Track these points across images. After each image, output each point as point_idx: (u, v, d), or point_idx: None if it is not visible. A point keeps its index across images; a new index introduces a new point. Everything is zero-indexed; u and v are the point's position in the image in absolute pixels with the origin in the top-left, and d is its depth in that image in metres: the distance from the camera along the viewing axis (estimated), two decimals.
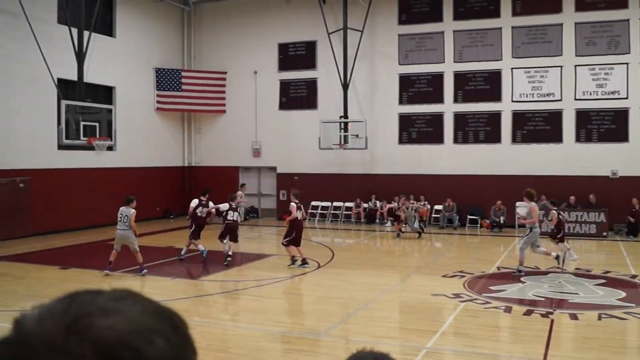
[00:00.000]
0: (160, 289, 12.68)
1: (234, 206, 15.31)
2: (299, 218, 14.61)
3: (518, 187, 21.36)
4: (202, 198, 15.86)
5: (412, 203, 20.51)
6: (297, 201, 14.81)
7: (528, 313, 10.33)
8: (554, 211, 15.73)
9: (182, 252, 15.78)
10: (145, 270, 13.65)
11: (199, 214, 15.63)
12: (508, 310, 10.54)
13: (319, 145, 23.25)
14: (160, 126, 25.93)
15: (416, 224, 19.83)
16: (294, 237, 14.46)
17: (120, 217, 13.48)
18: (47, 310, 0.75)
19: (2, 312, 10.61)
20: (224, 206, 15.46)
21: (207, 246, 15.47)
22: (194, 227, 15.58)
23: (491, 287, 12.33)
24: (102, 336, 0.71)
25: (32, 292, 12.34)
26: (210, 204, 15.89)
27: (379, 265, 15.24)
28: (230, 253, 15.11)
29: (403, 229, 20.06)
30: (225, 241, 15.30)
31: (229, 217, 15.25)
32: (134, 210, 13.46)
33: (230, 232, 15.17)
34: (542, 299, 11.42)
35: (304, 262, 14.52)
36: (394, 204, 21.01)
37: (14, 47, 19.10)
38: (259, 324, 9.88)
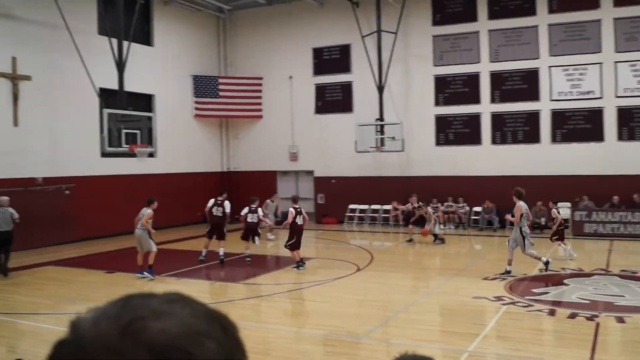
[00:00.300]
0: (202, 292, 12.90)
1: (299, 209, 15.26)
2: (298, 223, 14.83)
3: (559, 188, 21.20)
4: (218, 198, 16.30)
5: (424, 206, 19.78)
6: (297, 206, 15.06)
7: (572, 316, 10.16)
8: (555, 210, 15.68)
9: (203, 254, 16.20)
10: (146, 274, 13.70)
11: (214, 214, 16.09)
12: (552, 313, 10.43)
13: (355, 149, 23.29)
14: (199, 132, 26.34)
15: (436, 229, 19.22)
16: (294, 241, 14.73)
17: (140, 217, 13.87)
18: (101, 313, 0.77)
19: (51, 316, 10.95)
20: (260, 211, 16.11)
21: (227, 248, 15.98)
22: (209, 227, 16.20)
23: (534, 290, 12.20)
24: (155, 339, 0.73)
25: (80, 296, 12.68)
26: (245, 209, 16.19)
27: (418, 268, 15.24)
28: (247, 252, 16.07)
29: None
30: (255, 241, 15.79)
31: (248, 219, 15.81)
32: (150, 210, 13.77)
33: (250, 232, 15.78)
34: (587, 301, 11.23)
35: (300, 262, 14.84)
36: (408, 205, 20.49)
37: (57, 59, 19.69)
38: (299, 327, 9.98)
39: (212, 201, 16.27)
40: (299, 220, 14.87)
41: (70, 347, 0.75)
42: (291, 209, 14.94)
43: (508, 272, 13.52)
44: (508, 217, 14.22)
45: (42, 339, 9.40)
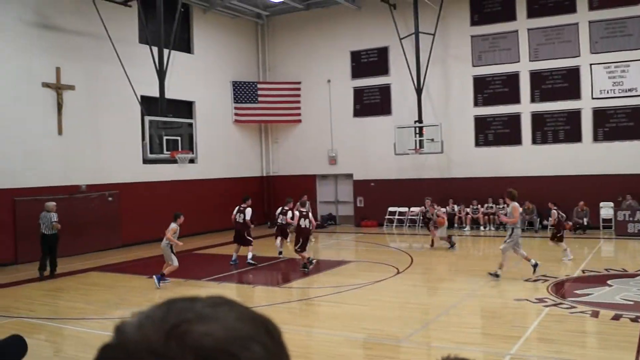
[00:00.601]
0: (242, 296, 13.05)
1: (304, 213, 15.69)
2: (302, 226, 15.18)
3: (601, 187, 20.81)
4: (242, 205, 16.65)
5: (437, 209, 19.03)
6: (304, 210, 15.69)
7: (616, 318, 9.96)
8: (554, 211, 15.88)
9: (233, 258, 16.57)
10: (156, 280, 13.67)
11: (237, 220, 16.58)
12: (595, 315, 10.24)
13: (394, 151, 23.25)
14: (239, 138, 26.63)
15: (444, 233, 18.35)
16: (301, 244, 15.03)
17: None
18: (146, 317, 0.77)
19: (95, 321, 11.21)
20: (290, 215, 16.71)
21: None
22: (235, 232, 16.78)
23: (576, 291, 12.01)
24: (200, 342, 0.72)
25: (122, 301, 12.94)
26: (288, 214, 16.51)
27: (458, 270, 15.11)
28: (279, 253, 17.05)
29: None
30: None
31: (278, 220, 16.65)
32: (175, 225, 13.96)
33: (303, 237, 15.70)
34: (631, 302, 11.01)
35: (305, 266, 15.10)
36: (422, 208, 19.97)
37: (100, 68, 20.18)
38: (339, 330, 10.01)
39: (237, 208, 16.74)
40: (305, 224, 15.21)
41: (116, 351, 0.76)
42: (296, 213, 15.43)
43: (497, 275, 13.37)
44: (504, 218, 14.09)
45: (86, 343, 9.63)
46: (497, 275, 13.36)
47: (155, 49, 18.84)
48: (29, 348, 2.50)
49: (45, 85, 18.93)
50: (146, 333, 0.74)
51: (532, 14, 22.52)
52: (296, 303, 12.40)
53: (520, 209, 13.98)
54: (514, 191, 13.88)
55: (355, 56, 25.90)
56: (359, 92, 25.86)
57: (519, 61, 22.81)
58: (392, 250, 19.26)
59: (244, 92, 26.41)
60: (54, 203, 16.11)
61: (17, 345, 2.18)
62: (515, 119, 22.93)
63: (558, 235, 15.93)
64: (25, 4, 18.42)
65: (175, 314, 0.76)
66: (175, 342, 0.72)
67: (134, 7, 20.51)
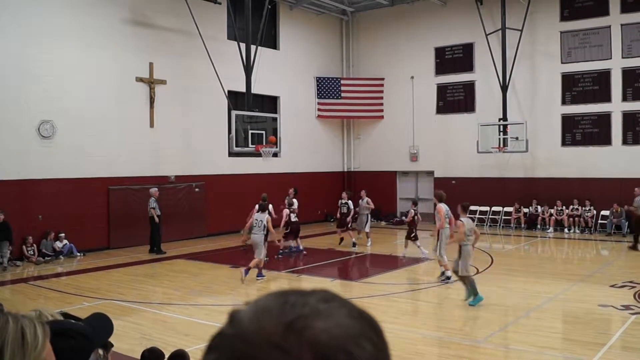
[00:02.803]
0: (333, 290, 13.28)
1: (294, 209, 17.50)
2: (292, 219, 17.18)
3: None
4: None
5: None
6: (293, 208, 17.23)
7: None
8: (412, 210, 16.46)
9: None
10: (246, 273, 13.64)
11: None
12: None
13: (477, 149, 22.93)
14: (321, 133, 26.97)
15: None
16: (290, 232, 17.27)
17: (256, 224, 14.12)
18: (262, 308, 0.78)
19: (180, 306, 11.74)
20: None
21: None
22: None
23: None
24: (318, 338, 0.73)
25: (206, 289, 13.48)
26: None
27: (541, 273, 14.81)
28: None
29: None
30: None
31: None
32: (267, 215, 14.11)
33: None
34: None
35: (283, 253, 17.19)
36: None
37: (190, 64, 20.95)
38: (416, 328, 10.08)
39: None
40: (293, 218, 17.22)
41: (232, 341, 0.77)
42: (286, 211, 17.12)
43: (448, 278, 13.34)
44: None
45: (171, 327, 10.12)
46: (447, 277, 13.33)
47: (242, 45, 19.35)
48: (117, 329, 2.56)
49: (139, 79, 19.83)
50: (264, 324, 0.75)
51: (626, 8, 21.59)
52: (374, 298, 12.52)
53: (446, 212, 13.76)
54: (442, 193, 14.17)
55: (440, 52, 25.66)
56: (442, 89, 25.62)
57: (610, 58, 21.97)
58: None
59: (327, 88, 26.70)
60: (155, 189, 18.16)
61: (103, 325, 2.22)
62: (605, 118, 22.12)
63: (412, 235, 16.45)
64: (122, 3, 19.33)
65: (292, 308, 0.77)
66: (295, 337, 0.73)
67: (224, 5, 21.15)
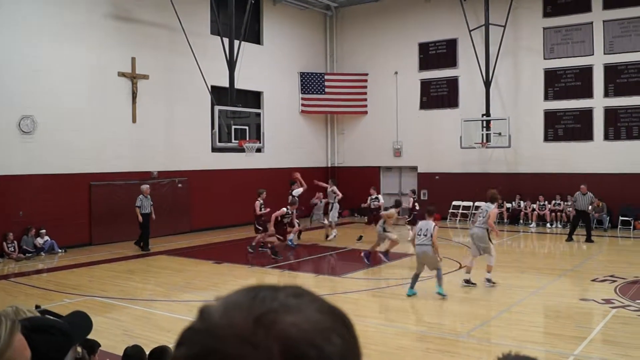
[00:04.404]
0: (306, 285, 13.28)
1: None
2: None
3: None
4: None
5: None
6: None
7: None
8: (411, 199, 18.65)
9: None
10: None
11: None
12: None
13: (460, 145, 23.02)
14: (305, 128, 26.93)
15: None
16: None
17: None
18: (232, 303, 0.79)
19: (163, 302, 11.67)
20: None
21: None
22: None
23: None
24: (287, 332, 0.74)
25: (189, 284, 13.43)
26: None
27: (523, 267, 14.92)
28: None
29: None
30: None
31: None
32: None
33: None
34: None
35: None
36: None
37: (173, 59, 20.81)
38: (400, 322, 10.10)
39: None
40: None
41: (202, 335, 0.77)
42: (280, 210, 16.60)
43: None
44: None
45: (154, 324, 10.04)
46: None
47: (226, 40, 19.26)
48: (99, 326, 2.55)
49: (121, 74, 19.65)
50: (233, 319, 0.76)
51: (608, 5, 21.73)
52: (358, 293, 12.54)
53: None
54: (495, 192, 13.15)
55: (423, 48, 25.70)
56: (426, 85, 25.68)
57: (593, 54, 22.12)
58: (455, 244, 19.14)
59: (311, 83, 26.66)
60: (146, 186, 17.83)
61: (81, 322, 2.22)
62: (587, 114, 22.29)
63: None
64: None
65: (261, 303, 0.78)
66: (263, 330, 0.74)
67: (207, 0, 21.00)
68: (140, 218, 17.42)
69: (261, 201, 16.86)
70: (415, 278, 11.71)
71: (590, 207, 18.85)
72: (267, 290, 0.81)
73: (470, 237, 13.06)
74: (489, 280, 12.47)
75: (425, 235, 11.41)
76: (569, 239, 18.80)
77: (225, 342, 0.74)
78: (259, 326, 0.75)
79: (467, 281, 12.55)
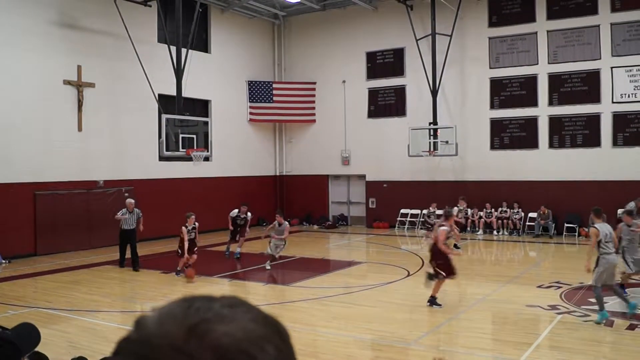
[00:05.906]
0: (253, 294, 13.12)
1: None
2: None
3: (620, 193, 20.55)
4: (241, 208, 17.56)
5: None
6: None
7: (631, 327, 9.86)
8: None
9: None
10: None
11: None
12: (609, 324, 10.12)
13: (408, 153, 23.20)
14: (253, 137, 26.74)
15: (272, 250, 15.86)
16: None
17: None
18: (167, 313, 0.79)
19: (109, 313, 11.35)
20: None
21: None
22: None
23: (591, 299, 11.84)
24: (220, 342, 0.75)
25: (136, 295, 13.19)
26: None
27: (471, 274, 15.06)
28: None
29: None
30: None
31: None
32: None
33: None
34: None
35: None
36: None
37: (121, 67, 20.43)
38: (348, 331, 10.03)
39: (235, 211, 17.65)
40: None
41: (136, 345, 0.77)
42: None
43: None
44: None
45: (101, 335, 9.80)
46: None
47: (173, 49, 19.00)
48: (44, 338, 2.53)
49: (67, 82, 19.18)
50: (167, 329, 0.76)
51: (552, 15, 22.32)
52: (305, 302, 12.42)
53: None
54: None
55: (371, 57, 25.87)
56: (373, 93, 25.84)
57: (537, 63, 22.65)
58: (403, 252, 19.24)
59: (259, 92, 26.51)
60: (131, 200, 16.94)
61: (29, 334, 2.18)
62: (532, 122, 22.78)
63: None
64: (49, 4, 18.71)
65: (195, 313, 0.78)
66: (196, 340, 0.74)
67: (154, 7, 20.69)
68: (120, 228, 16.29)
69: (189, 227, 15.28)
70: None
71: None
72: (202, 301, 0.81)
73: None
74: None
75: None
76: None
77: (159, 352, 0.75)
78: (192, 336, 0.75)
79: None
